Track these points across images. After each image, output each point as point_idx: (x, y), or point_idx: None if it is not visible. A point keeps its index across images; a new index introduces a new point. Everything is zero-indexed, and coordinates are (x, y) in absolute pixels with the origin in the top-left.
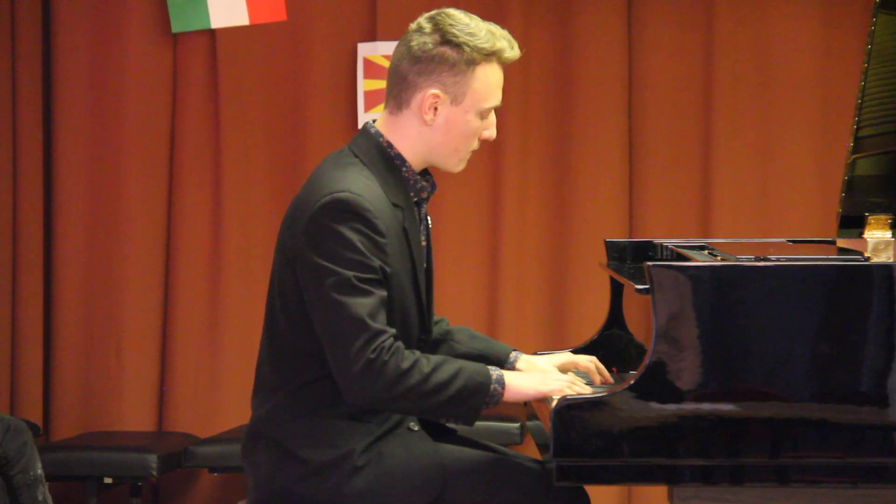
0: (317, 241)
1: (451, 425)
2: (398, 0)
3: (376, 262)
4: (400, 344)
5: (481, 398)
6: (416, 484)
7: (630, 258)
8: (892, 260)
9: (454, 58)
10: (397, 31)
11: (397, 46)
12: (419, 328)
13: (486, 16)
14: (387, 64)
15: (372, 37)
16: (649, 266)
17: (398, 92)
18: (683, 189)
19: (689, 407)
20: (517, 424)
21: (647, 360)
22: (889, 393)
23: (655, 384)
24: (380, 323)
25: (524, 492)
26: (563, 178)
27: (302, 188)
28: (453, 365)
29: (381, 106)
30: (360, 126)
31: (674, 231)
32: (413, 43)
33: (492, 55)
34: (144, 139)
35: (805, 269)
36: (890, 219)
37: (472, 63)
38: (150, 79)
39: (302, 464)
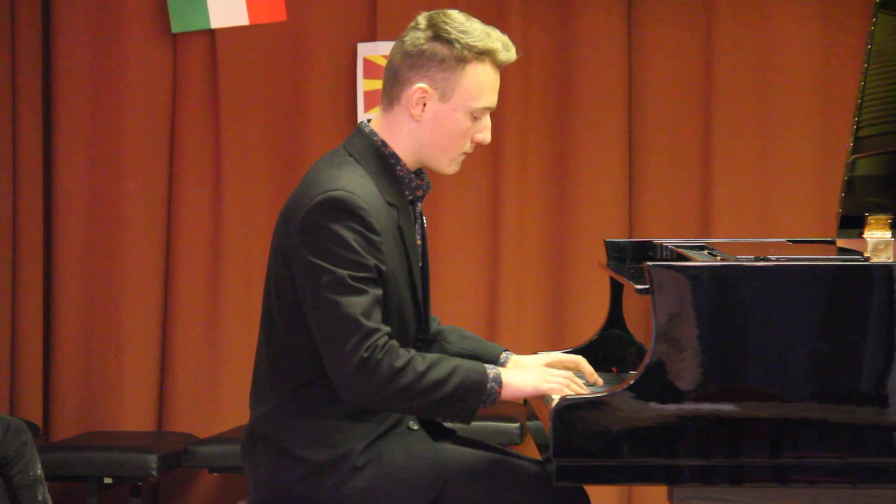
0: (311, 240)
1: (450, 425)
2: (398, 0)
3: (371, 261)
4: (394, 342)
5: (478, 397)
6: (415, 484)
7: (630, 258)
8: (892, 260)
9: (444, 53)
10: (397, 31)
11: (395, 43)
12: (416, 327)
13: (485, 16)
14: None
15: (372, 37)
16: (649, 266)
17: (390, 88)
18: (683, 189)
19: (688, 407)
20: (517, 424)
21: (646, 360)
22: (889, 393)
23: (655, 384)
24: (374, 321)
25: (524, 492)
26: (563, 178)
27: (296, 187)
28: (449, 363)
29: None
30: None
31: (674, 231)
32: (407, 39)
33: (484, 54)
34: (144, 139)
35: (805, 269)
36: (890, 219)
37: (462, 60)
38: (150, 79)
39: (301, 464)
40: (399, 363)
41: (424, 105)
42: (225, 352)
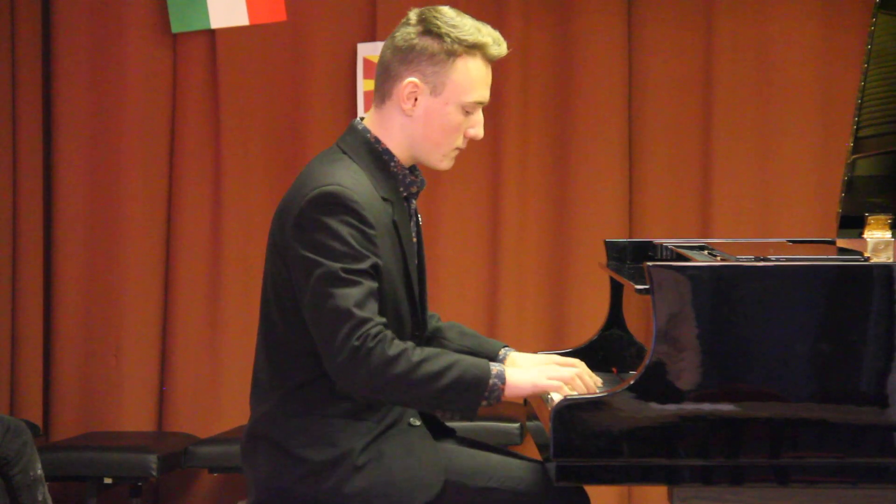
0: (305, 234)
1: (450, 424)
2: (398, 0)
3: (366, 254)
4: (388, 332)
5: (479, 392)
6: (416, 483)
7: (630, 258)
8: (891, 260)
9: (434, 48)
10: None
11: (385, 41)
12: (412, 323)
13: (485, 16)
14: None
15: (372, 37)
16: (649, 266)
17: (382, 83)
18: (683, 189)
19: (688, 407)
20: (517, 424)
21: (646, 361)
22: (889, 393)
23: (655, 384)
24: (367, 312)
25: (524, 492)
26: (563, 178)
27: (291, 185)
28: (449, 357)
29: None
30: None
31: (674, 231)
32: (397, 34)
33: (474, 48)
34: (144, 139)
35: (805, 269)
36: (890, 219)
37: (452, 54)
38: (150, 79)
39: (301, 463)
40: (392, 352)
41: (416, 100)
42: (225, 352)
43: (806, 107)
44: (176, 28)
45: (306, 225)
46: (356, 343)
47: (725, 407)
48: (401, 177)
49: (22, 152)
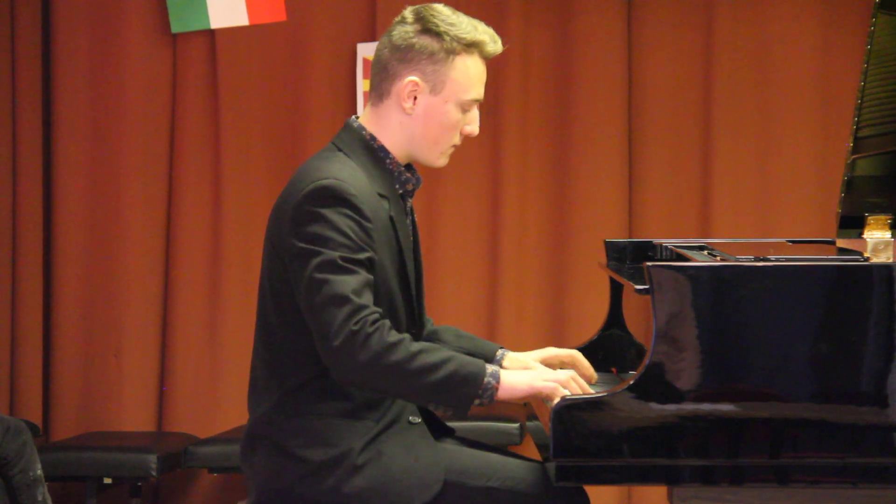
0: (303, 227)
1: (450, 424)
2: (398, 0)
3: (363, 245)
4: (386, 321)
5: (473, 389)
6: (415, 483)
7: (630, 258)
8: (891, 260)
9: (434, 46)
10: None
11: (381, 39)
12: (408, 320)
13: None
14: None
15: (372, 37)
16: (649, 266)
17: (379, 82)
18: (683, 189)
19: (688, 407)
20: (517, 425)
21: (646, 361)
22: (889, 393)
23: (655, 384)
24: (365, 299)
25: (524, 492)
26: (563, 178)
27: (287, 184)
28: (445, 352)
29: None
30: None
31: (674, 231)
32: (394, 33)
33: (472, 46)
34: (144, 139)
35: (805, 270)
36: (889, 219)
37: (451, 52)
38: (149, 79)
39: (300, 463)
40: (390, 339)
41: (415, 98)
42: (225, 352)
43: (806, 107)
44: (176, 28)
45: (303, 218)
46: (354, 328)
47: (725, 407)
48: (396, 174)
49: (22, 152)
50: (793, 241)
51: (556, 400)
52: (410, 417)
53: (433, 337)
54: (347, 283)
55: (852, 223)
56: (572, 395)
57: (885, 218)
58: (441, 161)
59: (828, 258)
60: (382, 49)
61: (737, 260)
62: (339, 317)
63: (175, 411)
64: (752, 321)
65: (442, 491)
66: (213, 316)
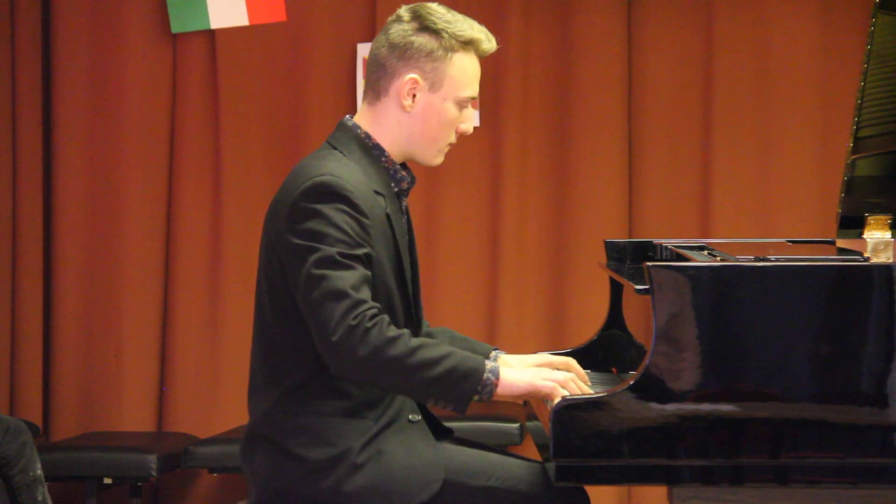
0: (300, 224)
1: (448, 425)
2: (398, 0)
3: (360, 241)
4: (385, 316)
5: (473, 384)
6: (415, 482)
7: (630, 258)
8: (891, 260)
9: (432, 44)
10: None
11: (376, 38)
12: (405, 318)
13: (486, 16)
14: None
15: (371, 37)
16: (649, 266)
17: (376, 80)
18: (683, 189)
19: (688, 407)
20: (517, 425)
21: (646, 361)
22: (889, 393)
23: (655, 384)
24: (363, 295)
25: (524, 492)
26: (563, 178)
27: (282, 183)
28: (444, 347)
29: None
30: None
31: (674, 231)
32: (392, 31)
33: (469, 44)
34: (144, 139)
35: (805, 270)
36: (889, 219)
37: (449, 50)
38: (149, 79)
39: (300, 463)
40: (389, 333)
41: (414, 96)
42: (225, 352)
43: (806, 107)
44: (176, 28)
45: (300, 215)
46: (353, 322)
47: (725, 407)
48: (392, 171)
49: (22, 152)
50: (793, 241)
51: (556, 400)
52: (410, 416)
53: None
54: (345, 278)
55: (852, 223)
56: (572, 395)
57: (885, 218)
58: (437, 159)
59: (828, 258)
60: (379, 48)
61: (737, 260)
62: (338, 312)
63: (175, 411)
64: (752, 321)
65: (441, 490)
66: (213, 316)
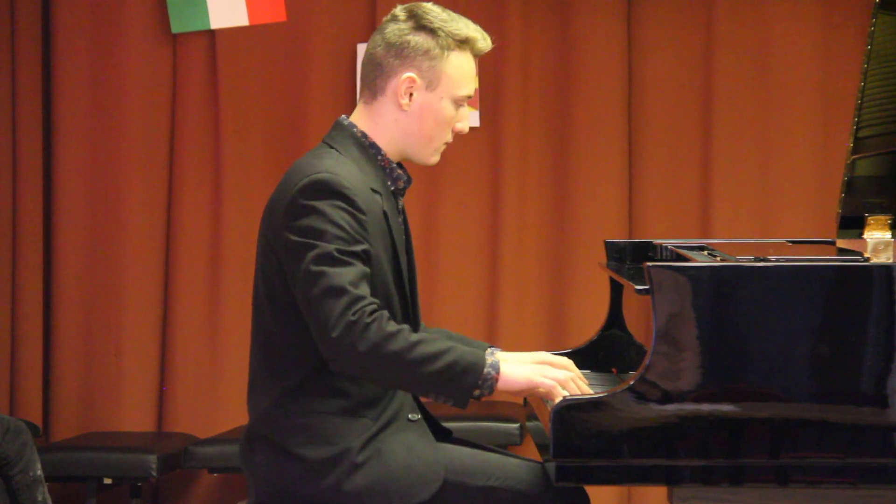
0: (297, 221)
1: (447, 425)
2: (397, 0)
3: (358, 238)
4: (384, 312)
5: (473, 379)
6: (415, 481)
7: (630, 258)
8: (891, 260)
9: (429, 43)
10: None
11: (372, 37)
12: (403, 316)
13: (486, 16)
14: None
15: None
16: (649, 267)
17: (373, 79)
18: (683, 189)
19: (688, 407)
20: (517, 425)
21: (646, 361)
22: (889, 393)
23: (655, 385)
24: (362, 291)
25: (524, 491)
26: (563, 178)
27: (279, 182)
28: (445, 342)
29: None
30: None
31: (674, 231)
32: (388, 30)
33: (465, 43)
34: (144, 139)
35: (805, 270)
36: (889, 219)
37: (446, 49)
38: (150, 79)
39: (300, 462)
40: (389, 329)
41: (411, 95)
42: (225, 352)
43: (806, 107)
44: (176, 28)
45: (298, 213)
46: (352, 318)
47: (725, 407)
48: (388, 170)
49: (22, 152)
50: (793, 242)
51: (556, 399)
52: (410, 415)
53: None
54: (344, 274)
55: (852, 223)
56: (571, 395)
57: (885, 218)
58: (434, 158)
59: (828, 258)
60: (375, 47)
61: (737, 260)
62: (338, 308)
63: (175, 411)
64: (752, 321)
65: (442, 489)
66: (213, 316)
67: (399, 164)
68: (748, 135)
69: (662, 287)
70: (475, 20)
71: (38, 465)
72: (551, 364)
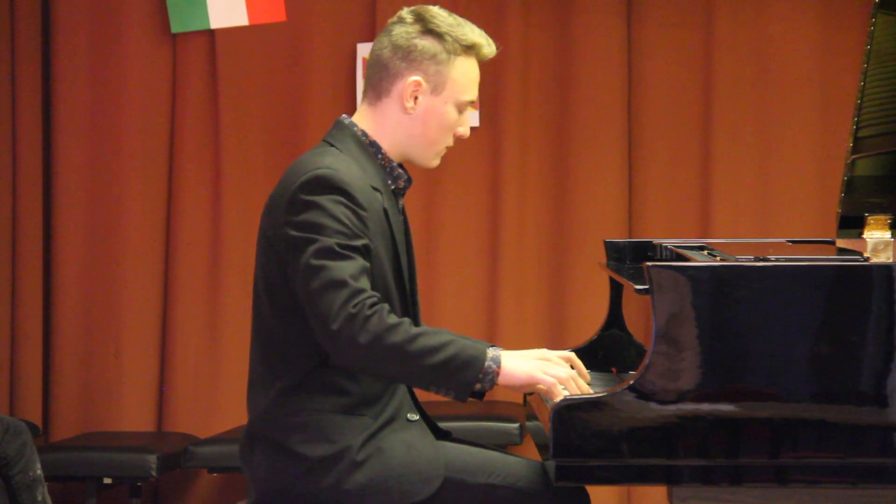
0: (297, 217)
1: (448, 424)
2: (398, 0)
3: (358, 233)
4: (385, 305)
5: (474, 373)
6: (416, 479)
7: (629, 258)
8: (891, 260)
9: (436, 47)
10: None
11: (378, 38)
12: (402, 315)
13: (486, 16)
14: None
15: (371, 37)
16: (649, 266)
17: (378, 81)
18: (683, 189)
19: (688, 407)
20: (516, 425)
21: (646, 361)
22: (889, 393)
23: (655, 384)
24: (363, 284)
25: (525, 489)
26: (563, 178)
27: (279, 180)
28: (446, 335)
29: None
30: None
31: (673, 231)
32: (395, 32)
33: (471, 48)
34: (144, 139)
35: (804, 270)
36: (889, 219)
37: (452, 54)
38: (149, 79)
39: (299, 461)
40: (389, 321)
41: (416, 98)
42: (225, 352)
43: (806, 107)
44: (175, 28)
45: (298, 208)
46: (353, 310)
47: (725, 407)
48: (388, 169)
49: (22, 152)
50: (793, 241)
51: (557, 397)
52: (409, 415)
53: None
54: (345, 268)
55: (852, 223)
56: (571, 395)
57: (885, 218)
58: (434, 162)
59: (828, 258)
60: (382, 49)
61: (737, 260)
62: (338, 301)
63: (175, 411)
64: (752, 321)
65: (442, 487)
66: (213, 316)
67: (400, 165)
68: (748, 135)
69: (662, 287)
70: (475, 20)
71: (38, 465)
72: (554, 361)
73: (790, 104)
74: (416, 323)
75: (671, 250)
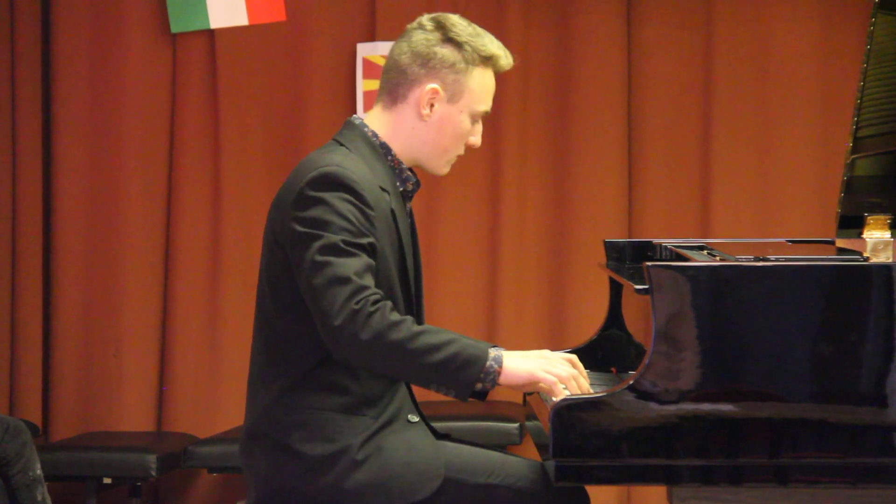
0: (305, 213)
1: (448, 425)
2: (398, 0)
3: (364, 231)
4: (388, 302)
5: (475, 372)
6: (416, 478)
7: (629, 258)
8: (891, 260)
9: (455, 56)
10: (397, 32)
11: (397, 43)
12: (405, 314)
13: (486, 16)
14: None
15: (371, 37)
16: (648, 266)
17: (395, 86)
18: (683, 189)
19: (688, 407)
20: (516, 424)
21: (646, 361)
22: (889, 393)
23: (654, 384)
24: (367, 281)
25: (525, 489)
26: (563, 178)
27: (287, 177)
28: (448, 334)
29: None
30: None
31: (673, 231)
32: (414, 39)
33: (488, 60)
34: (144, 139)
35: (804, 270)
36: (889, 219)
37: (470, 63)
38: (149, 79)
39: (300, 459)
40: (392, 318)
41: (433, 106)
42: (225, 352)
43: (806, 107)
44: (175, 28)
45: (305, 204)
46: (356, 307)
47: (725, 407)
48: (397, 171)
49: (22, 152)
50: (793, 241)
51: (557, 396)
52: (409, 416)
53: None
54: (349, 265)
55: (852, 223)
56: (571, 394)
57: (885, 218)
58: (445, 170)
59: (828, 258)
60: (401, 54)
61: (736, 260)
62: (341, 297)
63: (175, 411)
64: (752, 321)
65: (442, 487)
66: (213, 316)
67: (409, 168)
68: (748, 135)
69: (662, 287)
70: (475, 20)
71: (38, 465)
72: (555, 361)
73: (790, 104)
74: (420, 324)
75: (671, 250)
